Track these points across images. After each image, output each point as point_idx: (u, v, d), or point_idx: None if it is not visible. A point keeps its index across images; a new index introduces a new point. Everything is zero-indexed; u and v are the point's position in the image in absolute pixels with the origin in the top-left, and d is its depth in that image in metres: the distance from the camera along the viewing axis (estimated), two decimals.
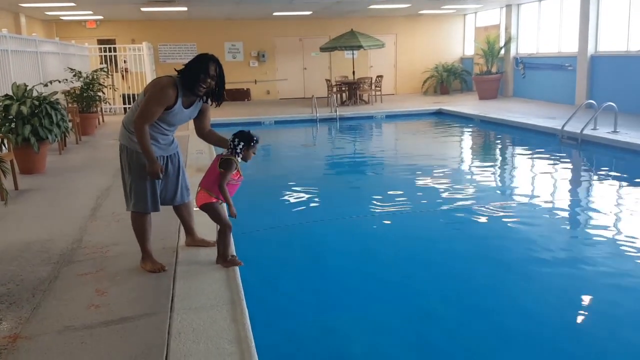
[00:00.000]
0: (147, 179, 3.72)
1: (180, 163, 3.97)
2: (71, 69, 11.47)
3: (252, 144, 3.70)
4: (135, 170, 3.72)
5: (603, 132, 9.54)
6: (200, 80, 3.55)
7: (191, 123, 3.99)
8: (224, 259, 3.82)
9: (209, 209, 3.76)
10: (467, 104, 15.26)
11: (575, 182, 8.03)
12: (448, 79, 18.99)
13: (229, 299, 3.34)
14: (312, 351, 3.50)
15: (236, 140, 3.66)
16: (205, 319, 3.12)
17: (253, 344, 2.85)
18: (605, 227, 5.79)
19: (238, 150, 3.66)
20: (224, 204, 3.79)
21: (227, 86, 3.83)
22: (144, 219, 3.86)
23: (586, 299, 4.17)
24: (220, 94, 3.70)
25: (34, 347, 2.93)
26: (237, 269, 3.78)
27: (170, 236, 4.48)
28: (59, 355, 2.86)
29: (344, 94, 17.06)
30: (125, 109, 15.12)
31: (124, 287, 3.65)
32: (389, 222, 6.04)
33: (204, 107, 3.85)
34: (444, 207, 6.49)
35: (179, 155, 3.98)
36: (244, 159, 3.72)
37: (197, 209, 3.87)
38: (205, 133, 3.97)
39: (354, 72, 17.39)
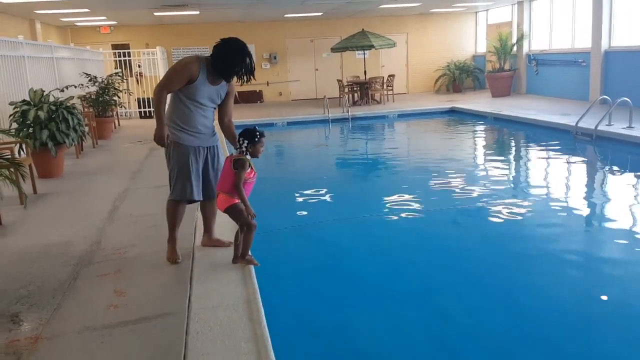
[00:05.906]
0: (184, 169, 3.87)
1: (219, 157, 4.06)
2: (86, 74, 11.62)
3: (256, 139, 3.73)
4: (174, 159, 3.90)
5: (618, 127, 9.45)
6: (236, 74, 3.79)
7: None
8: (243, 257, 3.87)
9: (233, 211, 3.77)
10: (480, 102, 15.19)
11: (590, 178, 7.97)
12: (460, 77, 18.93)
13: (245, 298, 3.38)
14: (328, 348, 3.53)
15: (241, 139, 3.72)
16: (222, 318, 3.16)
17: (269, 342, 2.89)
18: (621, 223, 5.74)
19: (244, 149, 3.71)
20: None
21: (239, 88, 3.97)
22: (177, 207, 4.01)
23: (599, 296, 4.14)
24: (249, 78, 3.92)
25: (54, 347, 3.00)
26: (252, 268, 3.82)
27: (186, 237, 4.53)
28: (79, 355, 2.92)
29: (355, 94, 17.05)
30: (140, 112, 15.30)
31: (142, 287, 3.71)
32: (403, 221, 6.04)
33: (230, 89, 4.01)
34: (459, 206, 6.47)
35: (219, 150, 4.08)
36: (253, 155, 3.76)
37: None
38: (224, 123, 4.07)
39: (365, 72, 17.39)
